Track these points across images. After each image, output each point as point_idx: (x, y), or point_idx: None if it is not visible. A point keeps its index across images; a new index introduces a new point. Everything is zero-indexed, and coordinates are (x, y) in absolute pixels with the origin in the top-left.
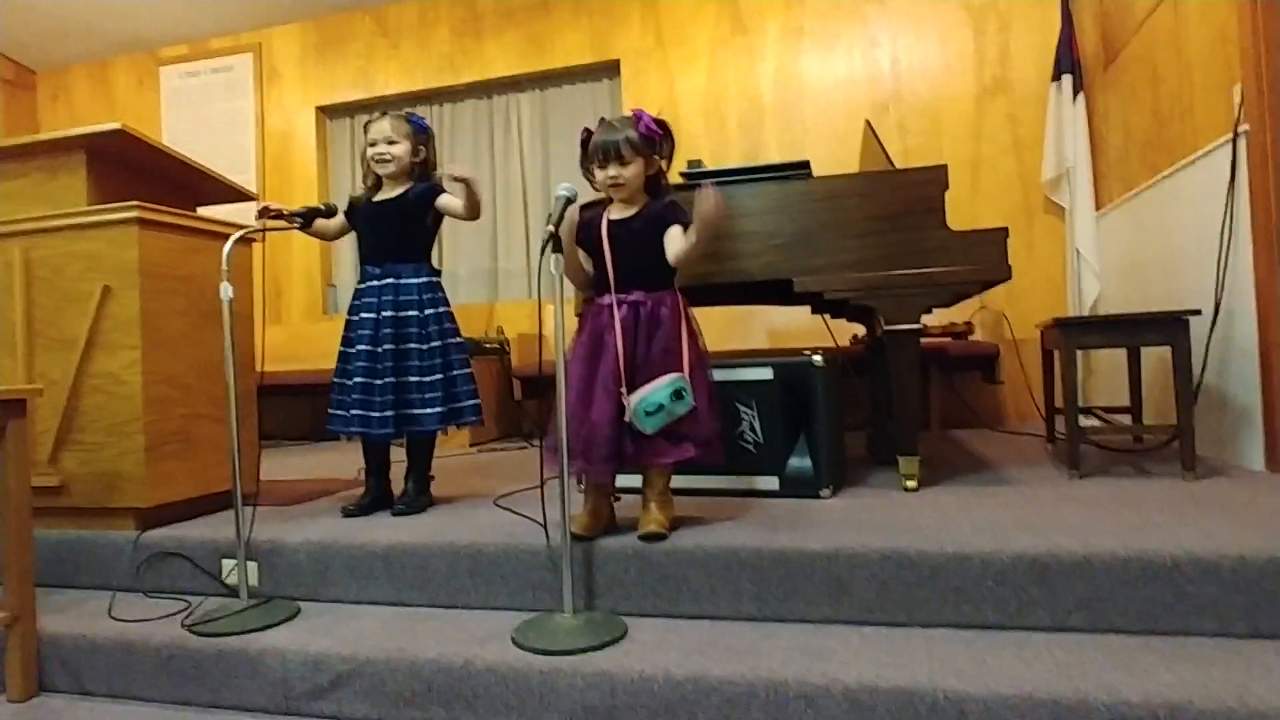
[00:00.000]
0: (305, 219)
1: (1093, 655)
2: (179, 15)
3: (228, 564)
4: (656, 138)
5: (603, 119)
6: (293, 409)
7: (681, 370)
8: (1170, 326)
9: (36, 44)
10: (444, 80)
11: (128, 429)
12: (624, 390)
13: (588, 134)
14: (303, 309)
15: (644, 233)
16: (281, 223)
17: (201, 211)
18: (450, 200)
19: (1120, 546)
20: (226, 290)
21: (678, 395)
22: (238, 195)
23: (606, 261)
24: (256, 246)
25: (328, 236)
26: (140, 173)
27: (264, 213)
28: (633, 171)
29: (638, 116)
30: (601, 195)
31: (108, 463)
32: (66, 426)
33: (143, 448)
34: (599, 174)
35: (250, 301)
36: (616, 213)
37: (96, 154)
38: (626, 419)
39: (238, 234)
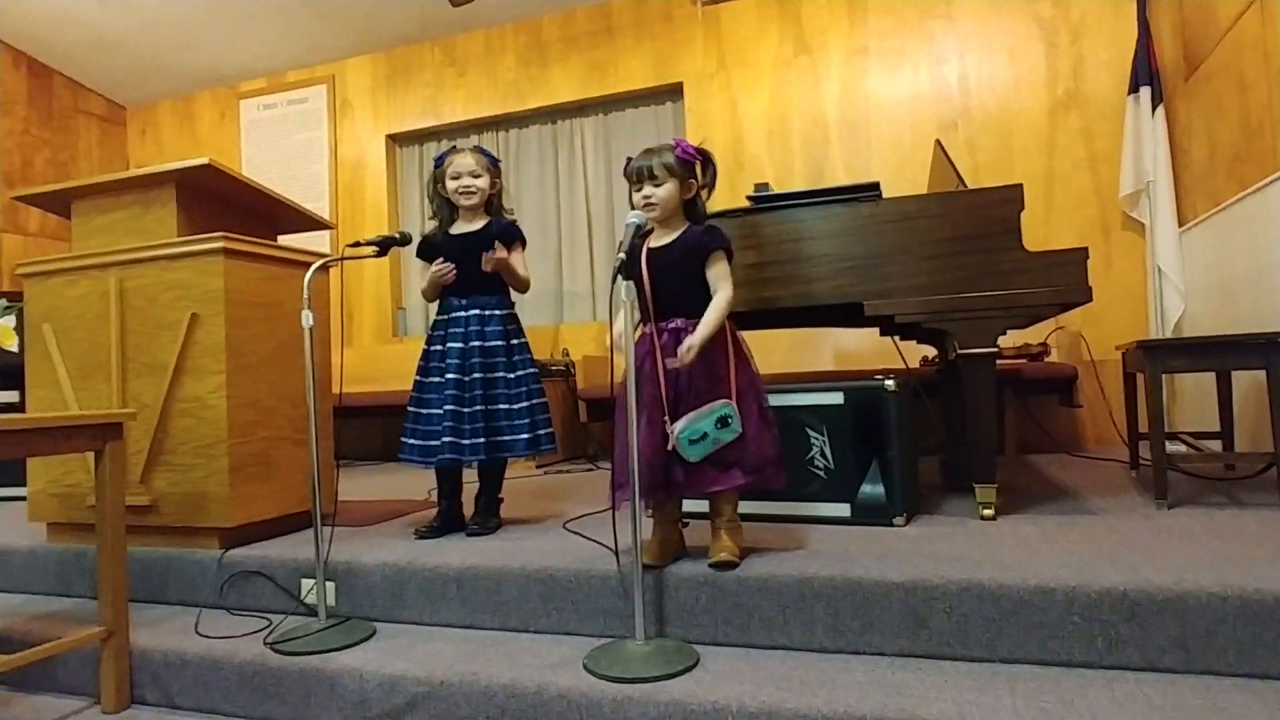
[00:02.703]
0: (382, 247)
1: (1188, 698)
2: (258, 51)
3: (306, 583)
4: (693, 160)
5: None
6: (364, 429)
7: (728, 396)
8: (1266, 349)
9: (128, 82)
10: (510, 107)
11: (213, 451)
12: (666, 419)
13: (629, 162)
14: (373, 331)
15: (682, 260)
16: (360, 250)
17: (280, 240)
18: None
19: (1216, 583)
20: (308, 318)
21: (723, 422)
22: (315, 224)
23: (646, 290)
24: (333, 271)
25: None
26: (225, 204)
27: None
28: (666, 192)
29: (677, 143)
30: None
31: (194, 483)
32: (157, 448)
33: (227, 469)
34: (635, 196)
35: (327, 326)
36: (656, 240)
37: (186, 187)
38: (669, 448)
39: (318, 264)
